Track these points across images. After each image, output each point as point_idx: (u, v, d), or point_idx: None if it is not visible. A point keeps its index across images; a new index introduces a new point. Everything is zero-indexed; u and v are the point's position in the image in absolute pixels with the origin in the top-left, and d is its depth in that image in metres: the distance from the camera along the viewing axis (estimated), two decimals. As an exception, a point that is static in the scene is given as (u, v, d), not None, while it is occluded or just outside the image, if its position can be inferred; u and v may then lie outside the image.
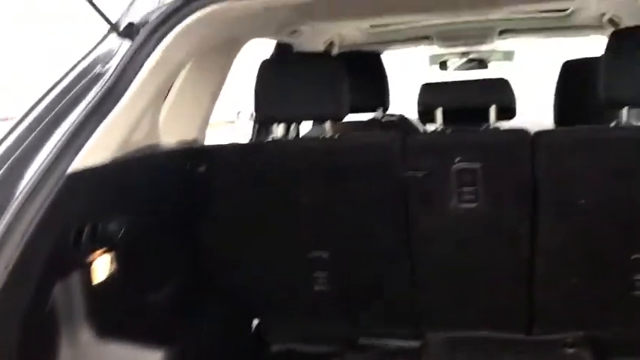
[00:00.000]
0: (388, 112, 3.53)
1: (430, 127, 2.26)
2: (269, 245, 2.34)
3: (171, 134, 2.24)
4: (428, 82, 2.19)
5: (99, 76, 1.67)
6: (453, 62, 4.54)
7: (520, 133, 2.07)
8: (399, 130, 2.61)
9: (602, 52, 2.04)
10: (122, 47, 1.72)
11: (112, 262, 1.83)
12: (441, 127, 2.20)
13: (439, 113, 2.17)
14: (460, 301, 2.34)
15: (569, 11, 3.41)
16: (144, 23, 1.73)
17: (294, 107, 2.12)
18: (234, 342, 2.42)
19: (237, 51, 2.47)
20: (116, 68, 1.66)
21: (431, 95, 2.17)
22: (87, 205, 1.63)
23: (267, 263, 2.38)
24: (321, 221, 2.28)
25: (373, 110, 3.34)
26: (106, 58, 1.72)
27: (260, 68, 2.18)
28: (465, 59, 4.48)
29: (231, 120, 4.85)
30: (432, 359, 2.27)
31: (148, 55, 1.68)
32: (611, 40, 1.97)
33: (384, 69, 3.31)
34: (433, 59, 4.29)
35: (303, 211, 2.26)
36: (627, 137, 1.98)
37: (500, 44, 4.15)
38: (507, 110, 2.19)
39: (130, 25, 1.73)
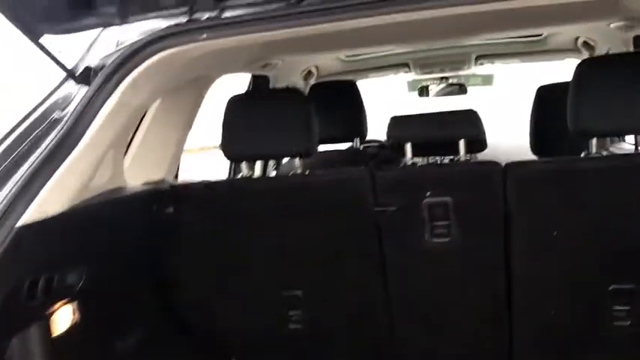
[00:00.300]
0: (369, 138, 3.52)
1: (407, 158, 2.23)
2: (242, 285, 2.29)
3: (138, 176, 2.21)
4: (396, 115, 2.16)
5: (55, 122, 1.64)
6: (432, 89, 4.53)
7: (490, 166, 2.05)
8: (375, 161, 2.57)
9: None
10: (79, 92, 1.69)
11: (73, 313, 1.78)
12: (411, 160, 2.17)
13: (408, 147, 2.14)
14: (438, 338, 2.30)
15: (543, 36, 3.42)
16: (101, 67, 1.70)
17: (260, 145, 2.09)
18: None
19: (207, 88, 2.44)
20: (72, 114, 1.62)
21: (399, 129, 2.14)
22: (41, 258, 1.59)
23: (240, 303, 2.33)
24: (293, 259, 2.24)
25: (350, 140, 3.32)
26: (63, 104, 1.69)
27: (227, 105, 2.16)
28: (444, 84, 4.46)
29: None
30: None
31: (106, 100, 1.65)
32: (578, 70, 1.96)
33: (360, 98, 3.29)
34: (412, 85, 4.28)
35: (275, 250, 2.22)
36: (595, 168, 1.96)
37: (479, 69, 4.16)
38: (477, 142, 2.16)
39: (87, 69, 1.70)
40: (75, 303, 1.78)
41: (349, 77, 3.77)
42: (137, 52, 1.62)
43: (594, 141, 1.97)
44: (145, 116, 2.31)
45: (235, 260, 2.26)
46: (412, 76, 4.07)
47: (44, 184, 1.52)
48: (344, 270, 2.23)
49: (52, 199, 1.56)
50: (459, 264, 2.17)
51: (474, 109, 2.24)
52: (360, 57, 3.72)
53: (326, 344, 2.37)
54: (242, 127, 2.09)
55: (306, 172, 2.18)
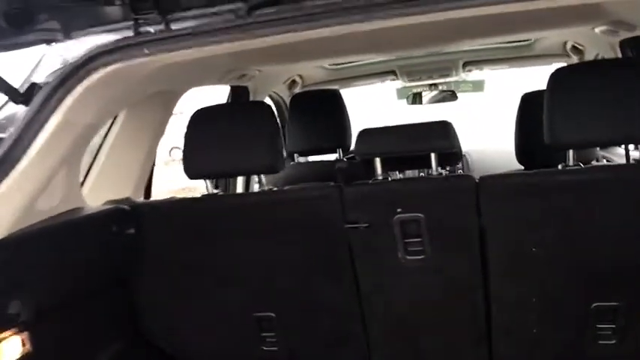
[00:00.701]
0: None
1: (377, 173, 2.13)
2: (211, 306, 2.20)
3: (101, 196, 2.13)
4: (365, 128, 2.06)
5: None
6: (425, 95, 4.42)
7: (463, 180, 1.95)
8: (345, 175, 2.48)
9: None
10: (22, 114, 1.61)
11: (23, 344, 1.69)
12: (381, 175, 2.07)
13: (377, 162, 2.04)
14: (416, 357, 2.20)
15: (531, 41, 3.32)
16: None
17: (222, 163, 2.00)
18: None
19: (173, 102, 2.37)
20: (11, 135, 1.55)
21: (367, 144, 2.05)
22: None
23: (210, 326, 2.24)
24: (262, 280, 2.15)
25: (333, 151, 3.22)
26: (5, 126, 1.62)
27: (190, 119, 2.07)
28: (435, 91, 4.36)
29: (166, 160, 4.55)
30: None
31: (47, 119, 1.57)
32: (552, 79, 1.86)
33: (343, 107, 3.18)
34: (401, 92, 4.17)
35: (242, 269, 2.13)
36: (572, 181, 1.85)
37: (469, 75, 4.06)
38: (450, 155, 2.06)
39: (31, 88, 1.62)
40: (25, 333, 1.69)
41: (335, 86, 3.68)
42: (78, 70, 1.54)
43: (571, 153, 1.86)
44: (108, 134, 2.24)
45: (202, 282, 2.18)
46: (400, 83, 3.97)
47: None
48: (317, 290, 2.14)
49: None
50: (435, 283, 2.07)
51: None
52: (345, 65, 3.63)
53: None
54: (203, 143, 2.00)
55: (273, 190, 2.09)
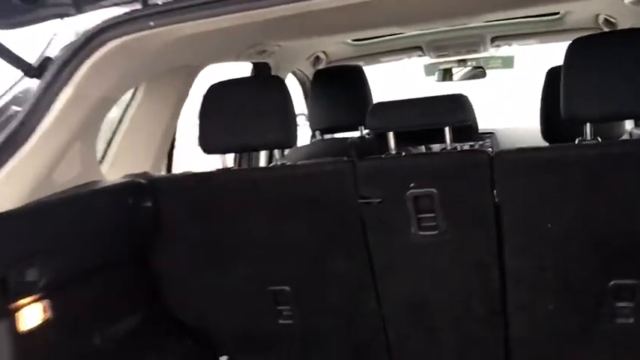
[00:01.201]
0: None
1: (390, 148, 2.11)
2: (227, 280, 2.23)
3: (120, 171, 2.17)
4: (378, 102, 2.04)
5: (10, 118, 1.61)
6: (457, 72, 4.34)
7: (477, 155, 1.92)
8: (359, 151, 2.46)
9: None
10: (36, 87, 1.65)
11: (44, 311, 1.75)
12: (395, 150, 2.05)
13: (391, 136, 2.03)
14: (431, 336, 2.19)
15: (561, 14, 3.22)
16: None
17: (235, 138, 2.01)
18: None
19: (192, 78, 2.38)
20: (25, 109, 1.59)
21: (379, 118, 2.02)
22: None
23: (227, 298, 2.27)
24: (278, 253, 2.17)
25: (356, 129, 3.20)
26: (21, 100, 1.66)
27: (204, 94, 2.09)
28: (466, 69, 4.27)
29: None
30: None
31: (59, 92, 1.61)
32: (569, 51, 1.80)
33: (366, 84, 3.16)
34: (428, 69, 4.10)
35: (258, 244, 2.15)
36: (587, 156, 1.80)
37: (498, 51, 3.96)
38: (466, 129, 2.03)
39: (44, 63, 1.66)
40: (46, 300, 1.75)
41: (360, 62, 3.65)
42: (86, 44, 1.57)
43: (587, 127, 1.81)
44: (127, 110, 2.28)
45: (218, 255, 2.21)
46: (427, 59, 3.90)
47: (3, 166, 1.49)
48: (330, 265, 2.15)
49: (5, 192, 1.53)
50: (449, 259, 2.06)
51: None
52: (370, 41, 3.59)
53: (318, 340, 2.29)
54: (216, 119, 2.02)
55: (286, 165, 2.10)
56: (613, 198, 1.81)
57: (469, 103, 2.01)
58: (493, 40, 3.57)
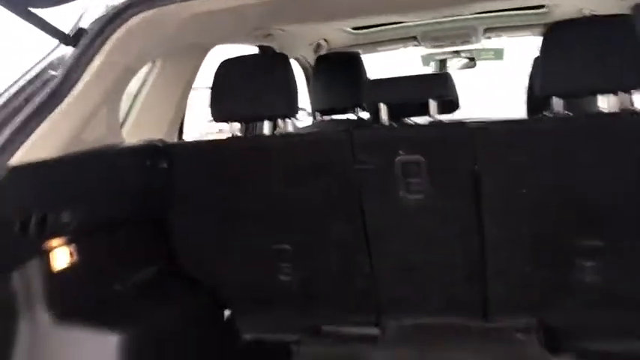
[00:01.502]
0: None
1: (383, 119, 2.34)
2: (235, 238, 2.45)
3: (138, 134, 2.39)
4: (374, 78, 2.28)
5: (47, 81, 1.83)
6: (452, 63, 4.57)
7: (460, 127, 2.14)
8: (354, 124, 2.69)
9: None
10: (70, 54, 1.87)
11: (71, 254, 1.97)
12: (387, 121, 2.28)
13: (383, 108, 2.25)
14: (417, 291, 2.41)
15: (547, 8, 3.44)
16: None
17: (242, 107, 2.23)
18: (206, 330, 2.53)
19: (202, 57, 2.60)
20: (62, 72, 1.81)
21: (374, 91, 2.26)
22: (34, 196, 1.78)
23: (234, 256, 2.49)
24: (281, 215, 2.39)
25: (353, 111, 3.43)
26: (56, 65, 1.88)
27: (217, 69, 2.31)
28: (463, 60, 4.51)
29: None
30: (388, 345, 2.34)
31: (92, 59, 1.83)
32: (545, 33, 2.03)
33: (363, 69, 3.39)
34: (425, 60, 4.34)
35: (264, 206, 2.37)
36: (555, 127, 2.03)
37: (490, 43, 4.20)
38: (449, 104, 2.26)
39: (78, 33, 1.88)
40: (73, 245, 1.97)
41: (359, 51, 3.87)
42: (117, 16, 1.79)
43: (554, 101, 2.03)
44: (145, 82, 2.50)
45: (227, 216, 2.43)
46: (423, 50, 4.13)
47: (35, 130, 1.71)
48: (328, 227, 2.37)
49: (43, 144, 1.75)
50: (434, 222, 2.28)
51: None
52: (369, 30, 3.81)
53: (313, 296, 2.51)
54: (227, 90, 2.24)
55: (290, 133, 2.32)
56: (580, 167, 2.04)
57: (452, 80, 2.24)
58: (485, 31, 3.80)
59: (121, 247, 2.21)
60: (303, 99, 3.84)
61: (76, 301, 1.99)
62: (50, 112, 1.75)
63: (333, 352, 2.29)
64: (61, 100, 1.78)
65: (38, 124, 1.72)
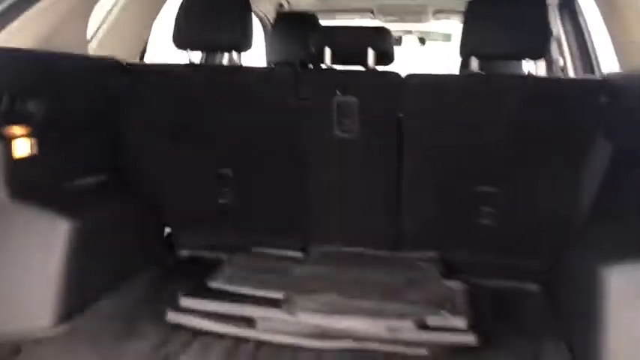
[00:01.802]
0: None
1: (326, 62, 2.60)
2: (182, 160, 2.69)
3: (106, 49, 2.59)
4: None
5: None
6: (406, 40, 4.93)
7: (391, 76, 2.45)
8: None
9: None
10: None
11: (31, 148, 2.15)
12: (330, 66, 2.57)
13: (327, 51, 2.53)
14: (341, 221, 2.70)
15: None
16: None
17: (200, 37, 2.48)
18: (144, 240, 2.72)
19: None
20: None
21: (320, 34, 2.54)
22: (5, 80, 1.97)
23: (177, 176, 2.73)
24: (227, 141, 2.64)
25: (306, 66, 3.70)
26: None
27: (181, 2, 2.54)
28: (415, 38, 4.87)
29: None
30: (309, 264, 2.60)
31: None
32: (468, 7, 2.34)
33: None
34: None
35: (212, 131, 2.62)
36: (466, 83, 2.36)
37: (440, 27, 4.57)
38: (385, 55, 2.55)
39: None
40: (34, 139, 2.15)
41: (318, 16, 4.14)
42: None
43: (472, 60, 2.35)
44: (114, 7, 2.70)
45: (176, 136, 2.66)
46: (377, 22, 4.44)
47: (10, 23, 1.92)
48: (268, 155, 2.63)
49: (17, 36, 1.96)
50: (360, 158, 2.57)
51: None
52: None
53: (248, 219, 2.77)
54: (190, 20, 2.48)
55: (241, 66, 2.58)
56: (485, 119, 2.37)
57: (389, 34, 2.54)
58: (434, 12, 4.14)
59: (74, 150, 2.38)
60: (261, 54, 4.11)
61: (31, 186, 2.14)
62: (24, 10, 1.96)
63: (260, 264, 2.56)
64: (29, 7, 1.98)
65: (15, 18, 1.93)
